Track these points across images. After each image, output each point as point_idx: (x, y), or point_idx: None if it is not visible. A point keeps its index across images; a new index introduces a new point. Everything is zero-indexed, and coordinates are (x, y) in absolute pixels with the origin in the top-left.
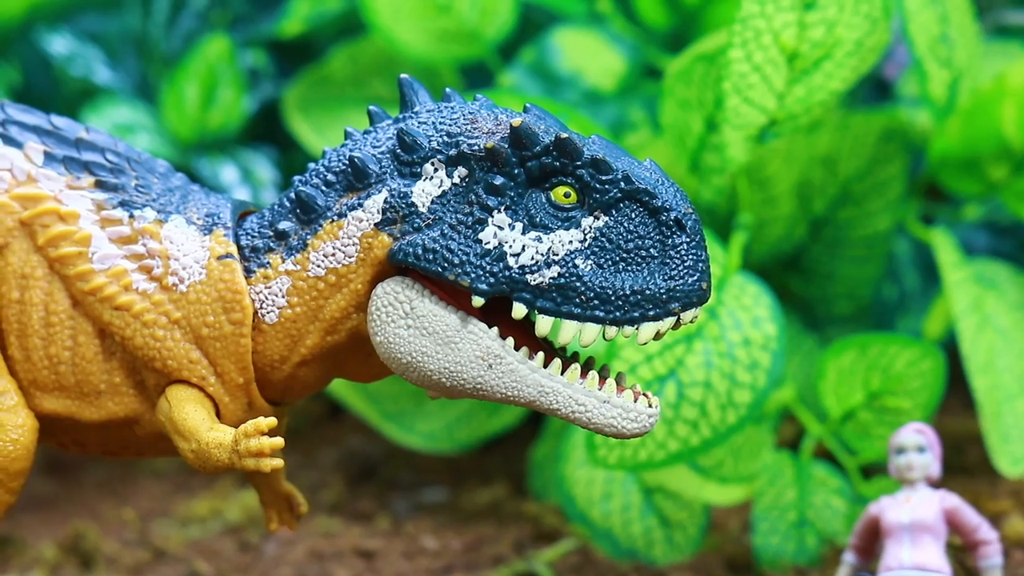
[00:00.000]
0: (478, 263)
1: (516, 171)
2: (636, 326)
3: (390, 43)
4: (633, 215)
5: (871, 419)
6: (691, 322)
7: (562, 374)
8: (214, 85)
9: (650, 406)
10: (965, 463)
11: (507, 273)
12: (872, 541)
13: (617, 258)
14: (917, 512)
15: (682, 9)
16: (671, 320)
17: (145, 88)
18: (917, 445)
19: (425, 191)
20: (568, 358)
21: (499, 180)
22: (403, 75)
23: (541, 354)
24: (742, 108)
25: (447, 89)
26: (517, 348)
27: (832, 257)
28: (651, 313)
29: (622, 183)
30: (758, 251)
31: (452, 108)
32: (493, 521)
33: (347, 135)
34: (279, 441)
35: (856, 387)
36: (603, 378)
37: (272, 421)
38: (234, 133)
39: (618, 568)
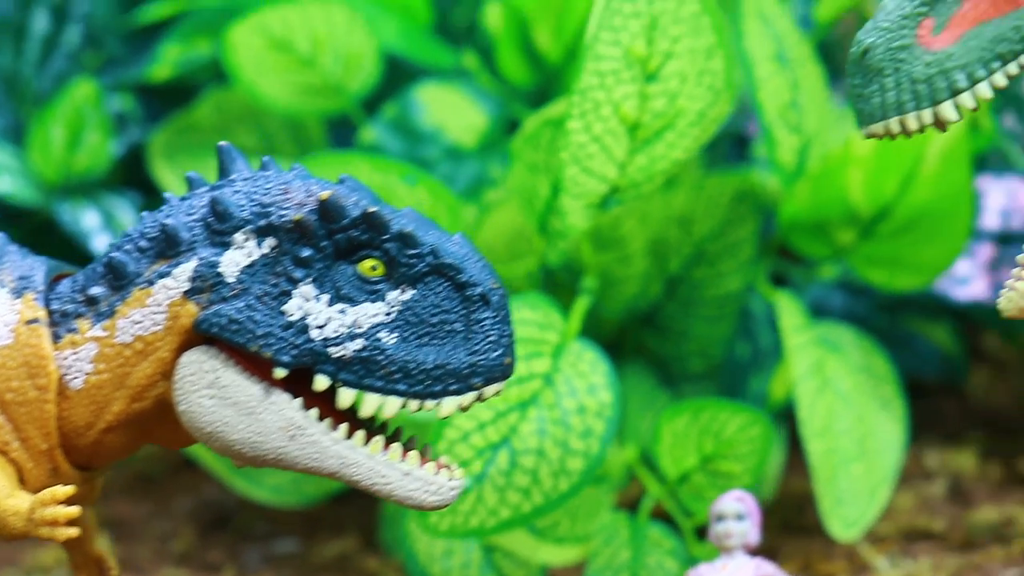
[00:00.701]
0: (281, 335)
1: (324, 243)
2: (438, 400)
3: (254, 96)
4: (439, 289)
5: (704, 482)
6: (495, 395)
7: (365, 445)
8: (80, 128)
9: (452, 479)
10: (804, 523)
11: (310, 346)
12: None
13: (422, 332)
14: None
15: (544, 67)
16: (473, 395)
17: (17, 129)
18: (736, 513)
19: (234, 261)
20: (375, 428)
21: (306, 252)
22: (221, 143)
23: (344, 425)
24: (581, 177)
25: (265, 158)
26: (321, 419)
27: (686, 315)
28: (452, 388)
29: (429, 257)
30: (613, 308)
31: (267, 178)
32: (334, 574)
33: (164, 200)
34: (75, 510)
35: (690, 450)
36: (408, 449)
37: (69, 490)
38: (100, 177)
39: None
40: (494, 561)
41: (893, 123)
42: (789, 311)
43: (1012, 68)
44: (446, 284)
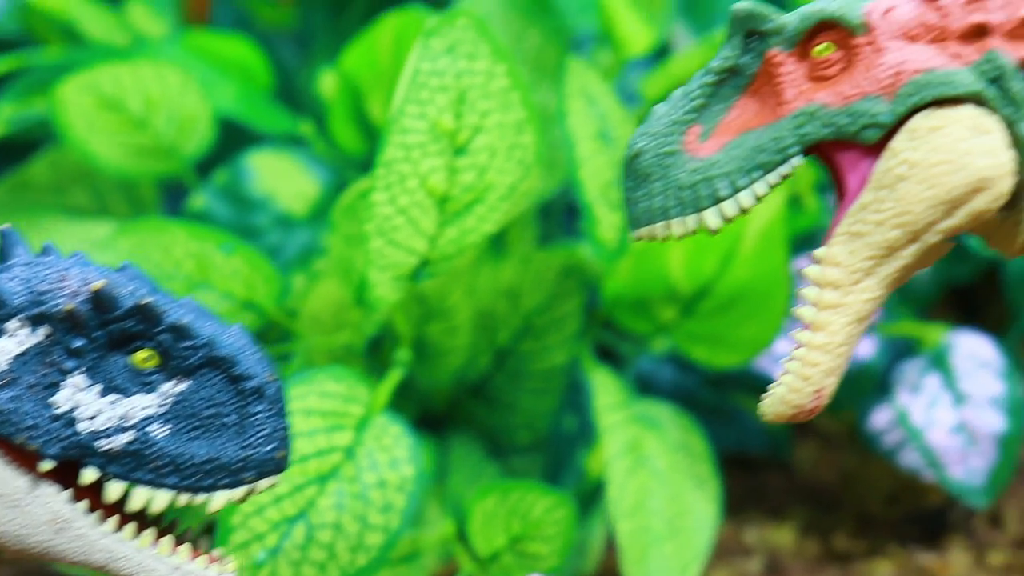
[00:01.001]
0: (48, 427)
1: (96, 334)
2: (208, 494)
3: (85, 156)
4: (214, 382)
5: (513, 562)
6: (269, 488)
7: (134, 539)
8: None
9: (222, 572)
10: None
11: (77, 439)
12: None
13: (194, 425)
14: None
15: (376, 135)
16: (244, 489)
17: None
18: None
19: (6, 349)
20: (150, 520)
21: (78, 343)
22: (3, 227)
23: (113, 519)
24: (387, 250)
25: (45, 243)
26: (92, 511)
27: (514, 388)
28: (224, 482)
29: (204, 349)
30: (440, 379)
31: (46, 264)
32: None
33: None
34: None
35: (499, 530)
36: (180, 542)
37: None
38: None
39: None
40: None
41: (659, 228)
42: (605, 389)
43: (772, 178)
44: (221, 376)
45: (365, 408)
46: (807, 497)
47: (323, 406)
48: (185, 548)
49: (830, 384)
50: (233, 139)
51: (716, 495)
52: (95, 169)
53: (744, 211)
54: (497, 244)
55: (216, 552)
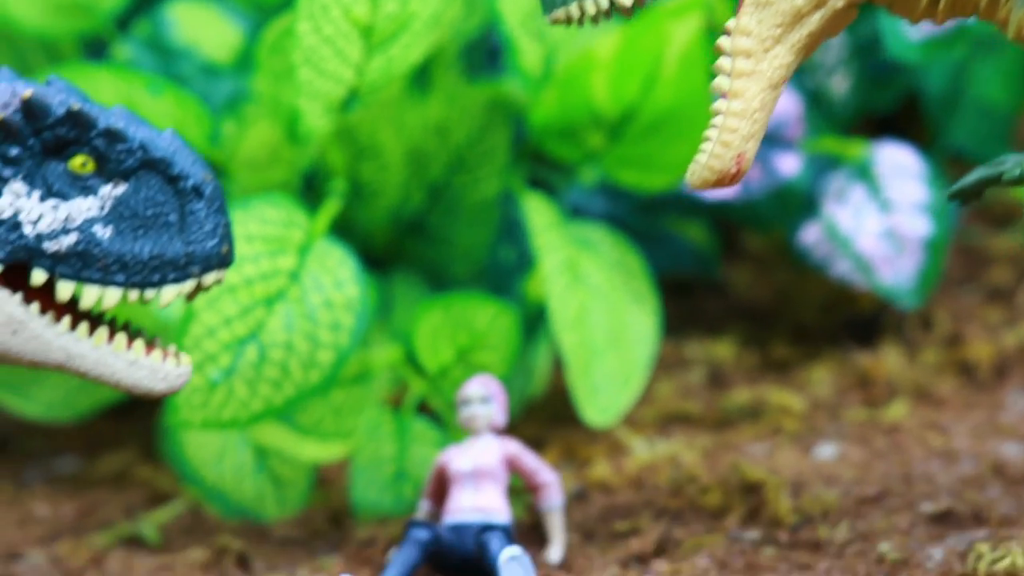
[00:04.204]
0: None
1: (31, 142)
2: (157, 289)
3: (4, 18)
4: (152, 183)
5: (462, 375)
6: (216, 283)
7: (90, 337)
8: None
9: (179, 366)
10: (570, 416)
11: (23, 242)
12: (442, 489)
13: (136, 225)
14: (479, 459)
15: None
16: (192, 282)
17: None
18: (481, 396)
19: None
20: (101, 322)
21: (14, 151)
22: None
23: (68, 318)
24: (316, 80)
25: None
26: (43, 312)
27: (450, 222)
28: (171, 277)
29: (139, 152)
30: (375, 217)
31: None
32: (111, 488)
33: None
34: None
35: (445, 344)
36: (133, 339)
37: None
38: None
39: (226, 526)
40: (266, 462)
41: (573, 8)
42: (539, 211)
43: None
44: (158, 178)
45: (305, 234)
46: (744, 314)
47: (264, 231)
48: (139, 344)
49: (750, 148)
50: None
51: (654, 309)
52: (15, 30)
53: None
54: (423, 82)
55: (171, 348)
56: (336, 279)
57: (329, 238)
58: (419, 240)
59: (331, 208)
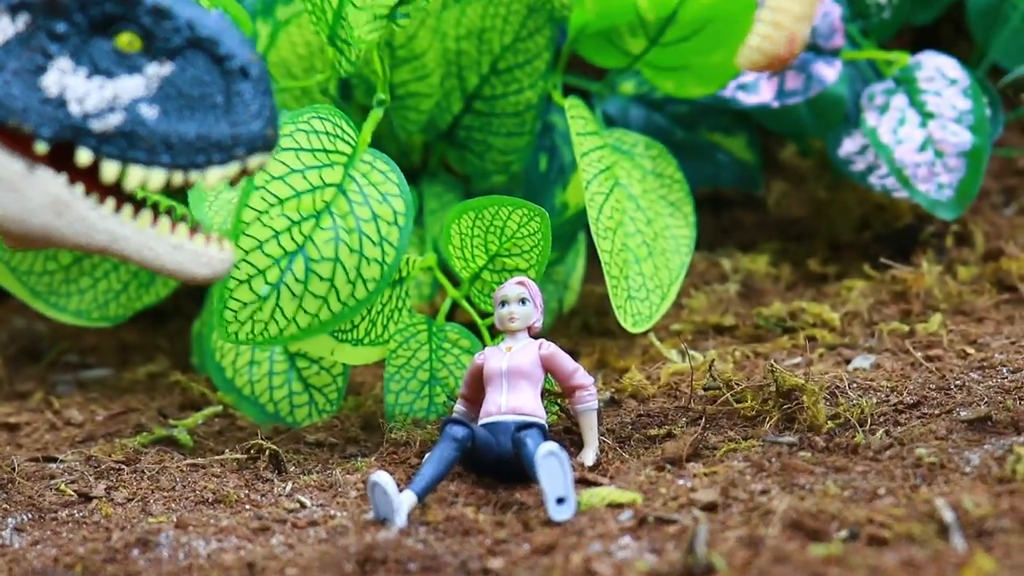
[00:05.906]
0: (39, 109)
1: (77, 17)
2: (202, 170)
3: None
4: (198, 62)
5: (494, 280)
6: (259, 168)
7: (133, 219)
8: None
9: (222, 251)
10: (605, 326)
11: (69, 120)
12: (478, 389)
13: (183, 105)
14: (515, 359)
15: None
16: (237, 165)
17: None
18: (519, 296)
19: None
20: (141, 203)
21: (61, 27)
22: None
23: (112, 200)
24: None
25: None
26: (88, 195)
27: (486, 130)
28: (216, 158)
29: (186, 30)
30: (413, 125)
31: None
32: (143, 395)
33: None
34: None
35: (478, 250)
36: (176, 224)
37: None
38: None
39: (259, 431)
40: (298, 367)
41: None
42: (579, 117)
43: None
44: (205, 57)
45: (351, 147)
46: (780, 230)
47: (311, 143)
48: (182, 228)
49: (801, 30)
50: None
51: (690, 219)
52: None
53: None
54: None
55: (214, 234)
56: (382, 192)
57: (371, 151)
58: (454, 149)
59: (375, 117)
